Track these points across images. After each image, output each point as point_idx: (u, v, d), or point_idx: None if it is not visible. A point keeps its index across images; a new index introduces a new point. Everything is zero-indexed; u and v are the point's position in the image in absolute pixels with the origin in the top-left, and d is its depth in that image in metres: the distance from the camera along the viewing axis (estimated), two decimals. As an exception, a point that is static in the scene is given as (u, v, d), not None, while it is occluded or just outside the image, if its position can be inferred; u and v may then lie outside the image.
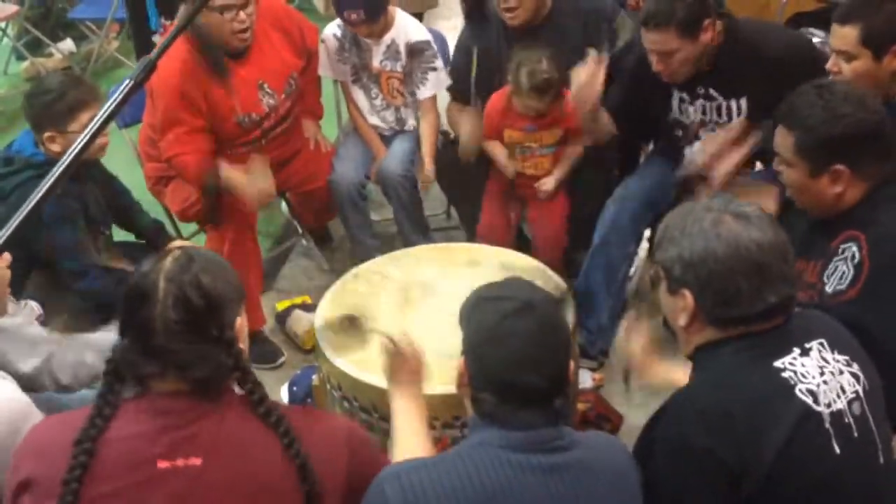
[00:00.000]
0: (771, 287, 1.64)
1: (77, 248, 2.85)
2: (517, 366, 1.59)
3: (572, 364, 1.68)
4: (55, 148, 2.74)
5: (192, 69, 3.14)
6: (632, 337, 2.20)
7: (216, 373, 1.57)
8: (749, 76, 2.86)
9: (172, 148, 3.21)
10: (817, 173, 2.13)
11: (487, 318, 1.64)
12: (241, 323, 1.66)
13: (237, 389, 1.62)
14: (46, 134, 2.74)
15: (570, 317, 2.50)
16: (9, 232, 1.66)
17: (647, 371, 2.15)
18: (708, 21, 2.79)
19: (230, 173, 3.21)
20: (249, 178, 3.19)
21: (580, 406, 2.84)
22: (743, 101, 2.93)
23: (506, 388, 1.59)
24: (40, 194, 1.67)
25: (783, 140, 2.19)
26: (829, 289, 2.10)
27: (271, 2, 3.47)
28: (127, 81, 1.74)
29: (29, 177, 2.73)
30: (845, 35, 2.47)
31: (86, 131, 1.72)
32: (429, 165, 3.51)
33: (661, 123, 3.11)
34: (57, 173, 1.66)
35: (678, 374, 1.99)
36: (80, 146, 1.67)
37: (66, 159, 1.67)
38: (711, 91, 2.95)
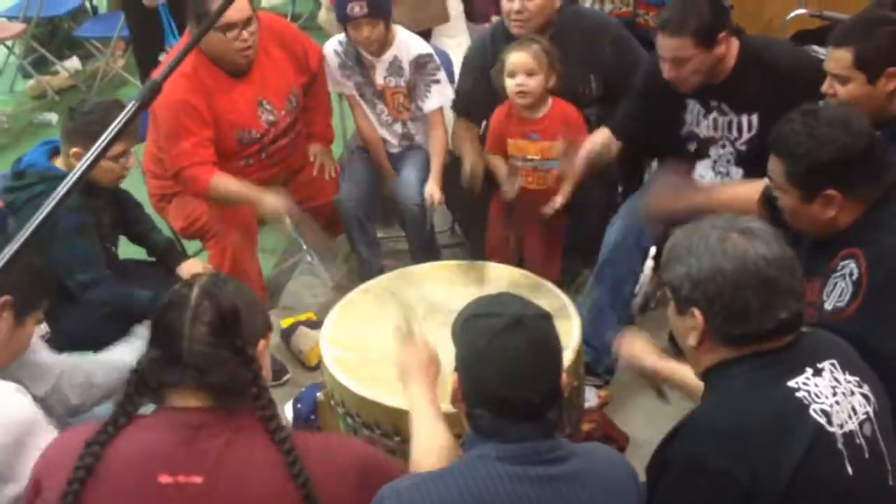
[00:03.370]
0: (780, 302, 1.64)
1: (91, 260, 2.86)
2: (509, 383, 1.59)
3: (572, 381, 1.68)
4: (78, 164, 2.75)
5: (197, 81, 3.15)
6: (631, 345, 2.22)
7: (233, 382, 1.61)
8: (760, 93, 2.88)
9: (180, 160, 3.21)
10: (809, 199, 2.13)
11: (478, 336, 1.64)
12: (264, 348, 1.71)
13: (253, 412, 1.63)
14: (74, 149, 2.75)
15: (575, 335, 2.50)
16: (16, 247, 1.65)
17: (662, 368, 2.17)
18: (723, 34, 2.81)
19: (245, 186, 3.24)
20: (264, 192, 3.23)
21: (585, 426, 2.82)
22: (754, 118, 2.94)
23: (499, 404, 1.60)
24: (44, 213, 1.66)
25: (774, 167, 2.20)
26: (828, 306, 2.09)
27: (273, 19, 3.51)
28: (133, 102, 1.74)
29: (42, 190, 2.74)
30: (839, 58, 2.49)
31: (92, 149, 1.72)
32: (435, 193, 3.47)
33: (673, 137, 3.12)
34: (62, 192, 1.65)
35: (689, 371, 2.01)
36: (85, 165, 1.67)
37: (73, 177, 1.66)
38: (724, 106, 2.96)
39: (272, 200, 3.22)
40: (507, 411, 1.60)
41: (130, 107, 1.71)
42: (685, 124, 3.07)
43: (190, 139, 3.17)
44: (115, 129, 1.67)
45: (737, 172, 3.06)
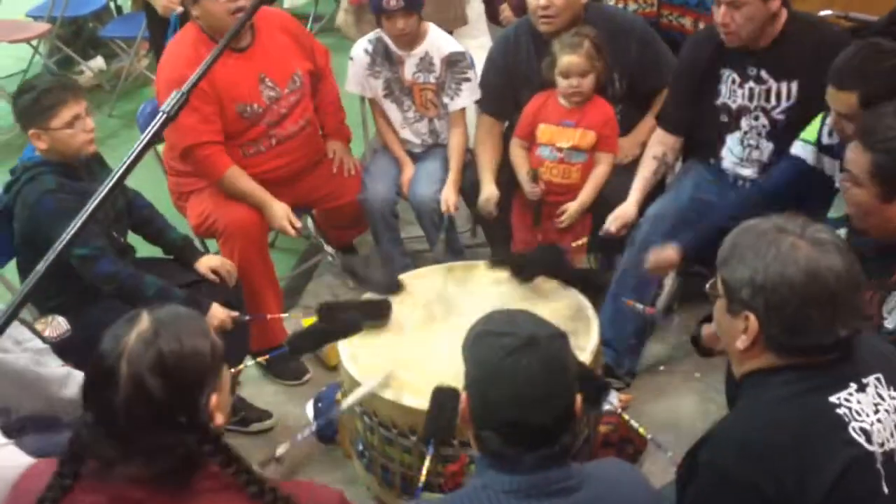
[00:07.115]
0: (842, 320, 1.57)
1: (83, 235, 2.83)
2: (520, 406, 1.50)
3: (580, 399, 1.58)
4: (41, 145, 2.76)
5: (197, 57, 3.13)
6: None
7: (185, 462, 1.44)
8: (804, 60, 2.85)
9: (189, 136, 3.22)
10: (890, 198, 2.05)
11: (489, 355, 1.54)
12: (219, 400, 1.49)
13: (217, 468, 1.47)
14: (31, 131, 2.77)
15: (594, 336, 2.49)
16: (48, 263, 1.66)
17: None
18: None
19: (257, 187, 3.28)
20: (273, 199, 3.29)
21: (602, 428, 2.78)
22: (794, 85, 2.92)
23: (509, 429, 1.51)
24: (79, 223, 1.66)
25: (858, 158, 2.09)
26: (889, 325, 2.02)
27: (283, 14, 3.58)
28: (161, 114, 1.73)
29: (26, 179, 2.76)
30: (844, 100, 2.41)
31: (122, 163, 1.72)
32: (451, 198, 3.47)
33: (707, 108, 3.10)
34: (90, 209, 1.67)
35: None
36: (113, 180, 1.67)
37: (101, 193, 1.67)
38: (763, 73, 2.95)
39: (279, 209, 3.29)
40: (518, 438, 1.51)
41: (158, 119, 1.71)
42: (719, 95, 3.07)
43: (193, 115, 3.16)
44: (145, 140, 1.68)
45: (767, 146, 3.04)
